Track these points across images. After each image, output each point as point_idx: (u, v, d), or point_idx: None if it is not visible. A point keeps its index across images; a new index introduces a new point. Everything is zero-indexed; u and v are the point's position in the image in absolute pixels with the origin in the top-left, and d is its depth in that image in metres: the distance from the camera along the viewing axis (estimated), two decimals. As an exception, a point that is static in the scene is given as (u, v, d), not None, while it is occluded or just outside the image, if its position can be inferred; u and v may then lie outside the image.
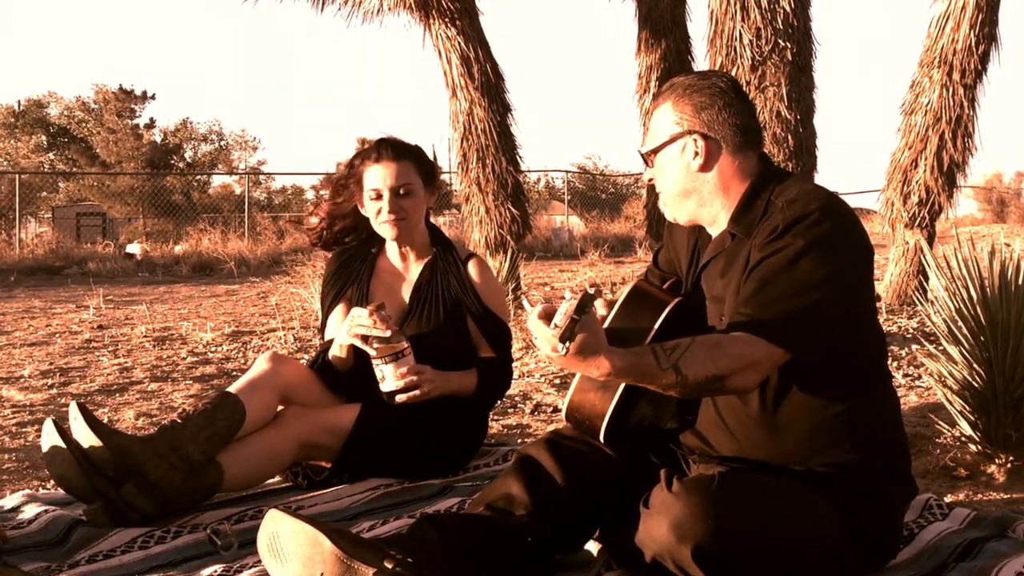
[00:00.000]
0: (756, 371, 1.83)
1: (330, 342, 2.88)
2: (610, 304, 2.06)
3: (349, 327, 2.69)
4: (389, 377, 2.66)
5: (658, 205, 2.12)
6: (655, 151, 2.04)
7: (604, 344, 1.75)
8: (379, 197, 2.88)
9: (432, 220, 3.09)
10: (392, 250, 3.01)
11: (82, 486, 2.43)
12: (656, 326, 1.97)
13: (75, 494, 2.48)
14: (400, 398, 2.70)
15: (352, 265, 3.02)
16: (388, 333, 2.64)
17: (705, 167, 1.99)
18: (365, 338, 2.66)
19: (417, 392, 2.70)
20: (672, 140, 2.01)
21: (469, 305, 2.92)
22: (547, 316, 1.74)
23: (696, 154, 1.99)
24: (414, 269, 2.99)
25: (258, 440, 2.65)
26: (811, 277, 1.83)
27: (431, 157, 3.07)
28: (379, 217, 2.89)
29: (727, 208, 2.00)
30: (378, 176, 2.88)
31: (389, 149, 2.91)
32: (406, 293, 2.96)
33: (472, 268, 2.97)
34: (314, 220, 3.04)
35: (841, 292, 1.86)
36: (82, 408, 2.48)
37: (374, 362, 2.68)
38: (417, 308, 2.92)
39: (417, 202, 2.92)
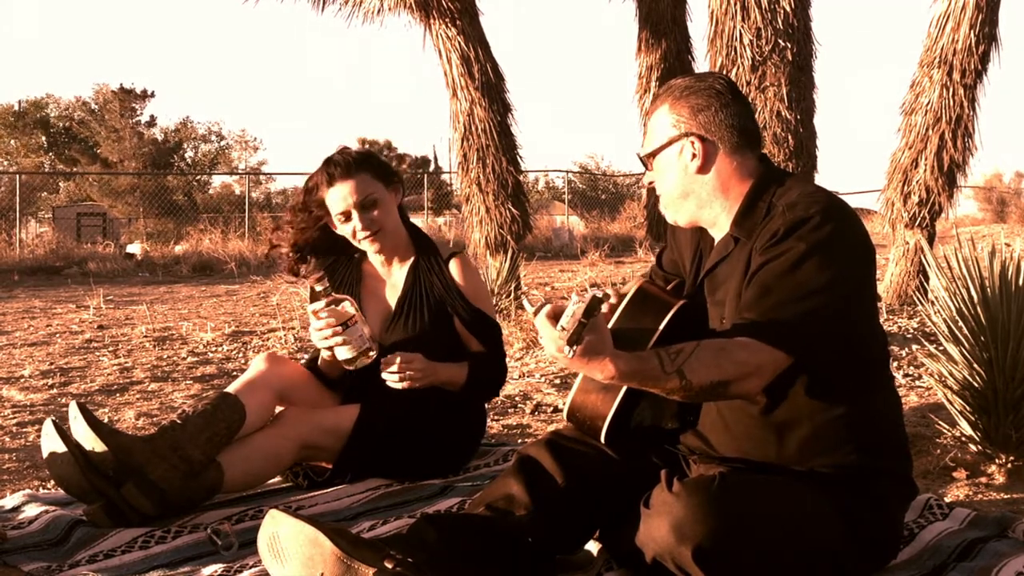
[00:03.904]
0: (760, 377, 1.83)
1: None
2: (612, 307, 2.06)
3: (316, 340, 2.70)
4: (341, 347, 2.65)
5: (659, 208, 2.12)
6: (653, 154, 2.04)
7: (610, 347, 1.75)
8: (348, 218, 2.85)
9: (411, 219, 3.07)
10: (375, 257, 2.99)
11: (82, 486, 2.43)
12: (660, 328, 1.97)
13: (75, 494, 2.48)
14: (394, 386, 2.72)
15: (337, 271, 3.00)
16: (333, 307, 2.63)
17: (703, 169, 1.99)
18: (318, 314, 2.64)
19: (405, 384, 2.72)
20: (670, 143, 2.01)
21: (454, 304, 2.91)
22: (554, 316, 1.74)
23: (693, 156, 1.99)
24: (398, 272, 2.98)
25: (258, 441, 2.65)
26: (814, 282, 1.83)
27: (387, 154, 3.04)
28: (356, 237, 2.87)
29: (727, 210, 2.00)
30: (338, 198, 2.84)
31: (338, 168, 2.85)
32: (392, 297, 2.96)
33: (454, 267, 2.95)
34: (283, 249, 3.00)
35: (844, 295, 1.86)
36: (82, 408, 2.48)
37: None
38: (403, 312, 2.91)
39: (385, 209, 2.88)
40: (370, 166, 2.89)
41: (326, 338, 2.64)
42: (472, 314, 2.91)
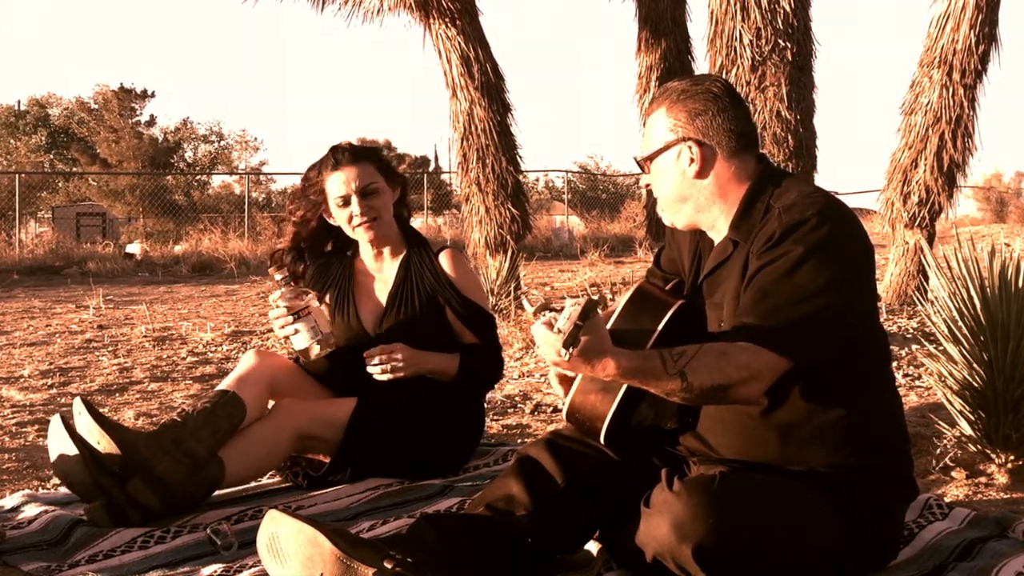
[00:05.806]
0: (760, 382, 1.83)
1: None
2: (608, 313, 2.06)
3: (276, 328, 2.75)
4: (296, 336, 2.70)
5: (656, 210, 2.12)
6: (650, 158, 2.04)
7: (610, 345, 1.75)
8: (347, 203, 2.88)
9: (406, 216, 3.09)
10: (367, 252, 3.01)
11: (85, 483, 2.44)
12: (659, 328, 1.97)
13: (78, 491, 2.49)
14: (380, 377, 2.77)
15: (329, 270, 3.03)
16: (290, 298, 2.70)
17: (701, 174, 1.99)
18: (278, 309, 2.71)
19: (389, 376, 2.77)
20: (667, 147, 2.01)
21: (446, 297, 2.92)
22: (551, 324, 1.75)
23: (691, 161, 1.98)
24: (389, 268, 3.00)
25: (256, 434, 2.67)
26: (812, 284, 1.83)
27: (387, 154, 3.08)
28: (352, 223, 2.90)
29: (726, 213, 2.00)
30: (340, 182, 2.88)
31: (345, 154, 2.91)
32: (383, 292, 2.97)
33: (444, 260, 2.97)
34: (281, 245, 3.04)
35: (843, 297, 1.86)
36: (87, 403, 2.49)
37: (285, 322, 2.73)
38: (395, 305, 2.93)
39: (385, 200, 2.93)
40: (375, 159, 2.96)
41: (281, 327, 2.71)
42: (464, 305, 2.93)
